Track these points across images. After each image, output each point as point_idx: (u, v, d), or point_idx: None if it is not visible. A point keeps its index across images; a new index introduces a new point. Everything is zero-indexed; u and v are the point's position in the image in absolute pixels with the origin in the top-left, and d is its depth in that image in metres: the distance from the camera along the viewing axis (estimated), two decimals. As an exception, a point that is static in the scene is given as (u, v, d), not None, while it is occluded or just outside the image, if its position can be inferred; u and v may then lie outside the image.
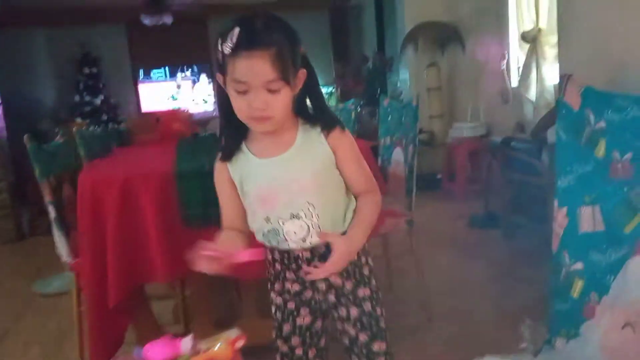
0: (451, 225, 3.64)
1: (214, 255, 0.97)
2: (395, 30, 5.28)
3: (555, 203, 1.39)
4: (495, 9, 4.04)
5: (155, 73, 7.60)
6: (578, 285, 1.39)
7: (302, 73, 1.04)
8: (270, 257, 1.15)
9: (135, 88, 7.48)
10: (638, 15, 1.37)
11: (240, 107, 1.00)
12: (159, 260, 1.69)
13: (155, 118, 3.96)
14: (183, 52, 7.44)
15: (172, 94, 7.53)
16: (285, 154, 1.07)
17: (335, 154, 1.08)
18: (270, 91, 0.98)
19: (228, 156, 1.11)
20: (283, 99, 1.00)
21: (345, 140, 1.10)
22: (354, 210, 1.13)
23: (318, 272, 1.04)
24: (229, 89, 1.01)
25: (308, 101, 1.10)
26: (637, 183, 1.24)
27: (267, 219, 1.10)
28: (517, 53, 3.99)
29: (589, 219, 1.34)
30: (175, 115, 4.21)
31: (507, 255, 2.94)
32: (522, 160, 3.16)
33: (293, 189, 1.07)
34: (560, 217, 1.38)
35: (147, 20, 6.50)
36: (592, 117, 1.31)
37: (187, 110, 4.37)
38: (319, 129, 1.08)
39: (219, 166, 1.13)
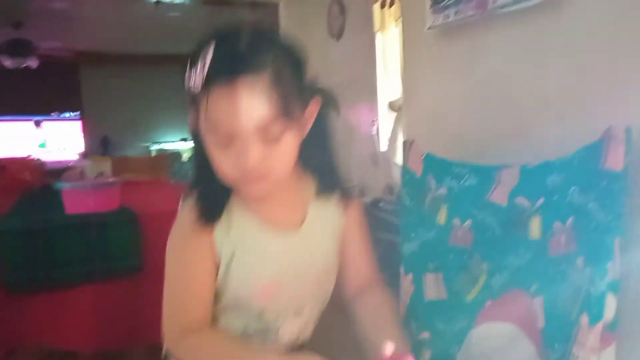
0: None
1: None
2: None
3: (402, 269, 1.36)
4: (365, 79, 4.25)
5: (12, 116, 6.97)
6: (425, 356, 1.34)
7: (313, 106, 0.75)
8: None
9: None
10: (472, 94, 1.45)
11: (223, 164, 0.69)
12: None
13: (1, 165, 3.56)
14: (48, 97, 6.92)
15: (39, 140, 6.89)
16: (304, 227, 0.77)
17: (345, 229, 0.82)
18: (267, 139, 0.68)
19: (214, 215, 0.74)
20: (286, 149, 0.71)
21: (360, 212, 0.86)
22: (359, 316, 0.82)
23: None
24: (204, 137, 0.71)
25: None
26: (476, 251, 1.24)
27: (261, 316, 0.77)
28: (385, 120, 4.20)
29: (433, 286, 1.31)
30: (23, 163, 3.80)
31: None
32: (389, 220, 3.23)
33: (307, 277, 0.79)
34: (406, 284, 1.35)
35: (7, 62, 5.99)
36: (433, 184, 1.31)
37: (39, 159, 3.95)
38: (335, 197, 0.80)
39: (194, 232, 0.73)
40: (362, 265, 0.88)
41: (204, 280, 0.75)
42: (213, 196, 0.74)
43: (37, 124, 6.97)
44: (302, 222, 0.79)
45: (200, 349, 0.72)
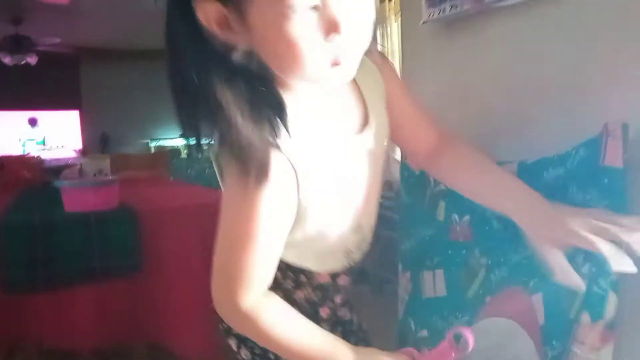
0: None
1: None
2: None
3: (400, 267, 1.36)
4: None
5: (11, 112, 6.98)
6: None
7: None
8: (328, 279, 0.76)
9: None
10: (469, 89, 1.44)
11: (307, 41, 0.48)
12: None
13: (0, 163, 3.57)
14: (48, 93, 6.91)
15: (31, 137, 6.89)
16: (371, 118, 0.65)
17: (389, 91, 0.69)
18: None
19: (281, 122, 0.54)
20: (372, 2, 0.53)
21: (394, 69, 0.73)
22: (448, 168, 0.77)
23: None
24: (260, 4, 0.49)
25: None
26: (475, 246, 1.23)
27: (358, 228, 0.72)
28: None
29: (432, 283, 1.31)
30: (22, 161, 3.81)
31: (372, 311, 2.95)
32: (388, 217, 3.24)
33: (380, 167, 0.71)
34: (404, 281, 1.34)
35: (7, 59, 5.97)
36: (432, 179, 1.31)
37: (39, 157, 3.97)
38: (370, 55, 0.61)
39: (270, 160, 0.56)
40: (418, 122, 0.76)
41: (279, 220, 0.58)
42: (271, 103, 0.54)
43: (33, 122, 6.95)
44: (365, 109, 0.64)
45: (269, 325, 0.60)
